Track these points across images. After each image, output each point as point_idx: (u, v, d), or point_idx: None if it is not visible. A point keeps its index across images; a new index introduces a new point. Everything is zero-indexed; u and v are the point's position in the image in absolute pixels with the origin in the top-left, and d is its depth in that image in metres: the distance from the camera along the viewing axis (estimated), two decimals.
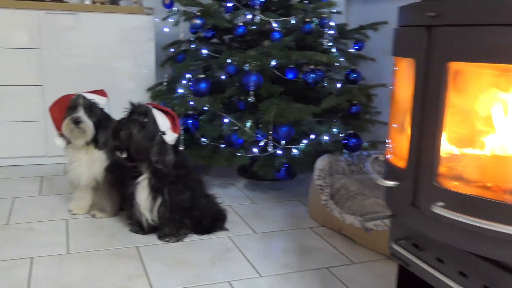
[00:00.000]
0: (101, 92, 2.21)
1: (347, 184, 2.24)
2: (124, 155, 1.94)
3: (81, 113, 2.06)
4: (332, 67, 2.63)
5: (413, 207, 1.10)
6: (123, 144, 1.89)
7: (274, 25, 2.50)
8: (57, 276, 1.68)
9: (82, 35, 2.99)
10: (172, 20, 2.85)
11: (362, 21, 2.83)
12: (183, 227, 2.03)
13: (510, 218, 0.90)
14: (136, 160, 1.95)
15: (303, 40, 2.56)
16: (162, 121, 1.92)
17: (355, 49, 2.69)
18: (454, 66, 0.99)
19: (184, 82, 2.65)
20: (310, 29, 2.50)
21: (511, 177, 0.97)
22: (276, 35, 2.45)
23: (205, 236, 2.06)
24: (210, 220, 2.09)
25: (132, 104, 1.91)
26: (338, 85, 2.55)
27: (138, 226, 2.06)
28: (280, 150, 2.38)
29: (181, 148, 2.12)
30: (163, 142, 1.92)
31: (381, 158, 1.35)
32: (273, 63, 2.35)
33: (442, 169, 1.04)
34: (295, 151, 2.40)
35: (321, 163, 2.31)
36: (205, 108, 2.44)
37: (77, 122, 2.04)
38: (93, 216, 2.22)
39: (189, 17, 2.63)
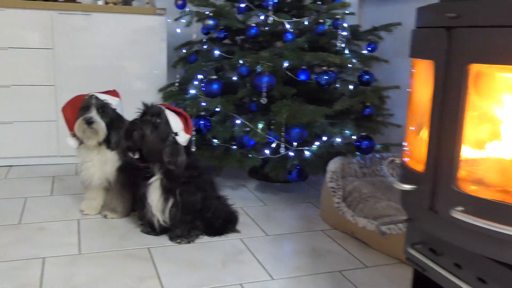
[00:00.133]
0: (113, 93, 2.21)
1: (359, 186, 2.22)
2: (137, 156, 1.94)
3: (93, 114, 2.06)
4: (345, 68, 2.62)
5: (431, 211, 1.09)
6: (136, 144, 1.89)
7: (287, 26, 2.49)
8: (69, 277, 1.68)
9: (94, 35, 3.00)
10: (184, 20, 2.85)
11: (374, 22, 2.81)
12: (194, 228, 2.03)
13: None
14: (148, 161, 1.94)
15: (316, 41, 2.54)
16: (175, 122, 1.91)
17: (368, 50, 2.67)
18: (475, 68, 0.97)
19: (196, 83, 2.65)
20: (323, 30, 2.48)
21: None
22: (289, 36, 2.44)
23: (217, 238, 2.05)
24: (222, 222, 2.08)
25: (145, 104, 1.91)
26: (351, 87, 2.53)
27: (150, 227, 2.05)
28: (292, 151, 2.36)
29: (193, 149, 2.12)
30: (175, 143, 1.91)
31: (397, 161, 1.33)
32: (286, 64, 2.33)
33: (461, 173, 1.02)
34: (307, 153, 2.39)
35: (334, 165, 2.29)
36: (217, 109, 2.43)
37: (89, 122, 2.04)
38: (105, 216, 2.22)
39: (201, 17, 2.63)
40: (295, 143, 2.32)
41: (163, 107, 1.92)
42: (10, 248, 1.88)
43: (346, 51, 2.57)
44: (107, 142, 2.13)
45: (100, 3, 3.14)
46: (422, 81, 1.14)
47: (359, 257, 1.92)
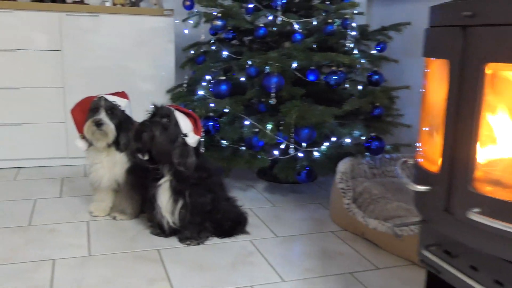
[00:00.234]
0: (122, 94, 2.21)
1: (369, 187, 2.20)
2: (146, 157, 1.93)
3: (102, 115, 2.05)
4: (354, 68, 2.60)
5: (446, 213, 1.07)
6: (146, 146, 1.88)
7: (296, 26, 2.47)
8: (79, 279, 1.68)
9: (102, 37, 3.00)
10: (192, 21, 2.85)
11: (383, 22, 2.79)
12: (204, 230, 2.02)
13: None
14: (158, 163, 1.94)
15: (325, 41, 2.53)
16: (184, 123, 1.91)
17: (377, 50, 2.65)
18: (492, 67, 0.95)
19: (204, 84, 2.64)
20: (332, 30, 2.46)
21: None
22: (298, 37, 2.43)
23: (226, 240, 2.04)
24: (231, 223, 2.07)
25: (154, 106, 1.90)
26: (360, 87, 2.52)
27: (159, 229, 2.05)
28: (301, 152, 2.35)
29: (202, 150, 2.11)
30: (185, 144, 1.90)
31: (410, 161, 1.31)
32: (294, 64, 2.32)
33: (477, 173, 1.00)
34: (316, 153, 2.37)
35: (343, 166, 2.27)
36: (226, 110, 2.43)
37: (98, 124, 2.04)
38: (114, 218, 2.22)
39: (209, 18, 2.62)
40: (304, 144, 2.31)
41: (172, 108, 1.91)
42: (20, 250, 1.88)
43: (355, 51, 2.56)
44: (116, 144, 2.13)
45: (108, 4, 3.14)
46: (436, 80, 1.13)
47: (370, 258, 1.90)
